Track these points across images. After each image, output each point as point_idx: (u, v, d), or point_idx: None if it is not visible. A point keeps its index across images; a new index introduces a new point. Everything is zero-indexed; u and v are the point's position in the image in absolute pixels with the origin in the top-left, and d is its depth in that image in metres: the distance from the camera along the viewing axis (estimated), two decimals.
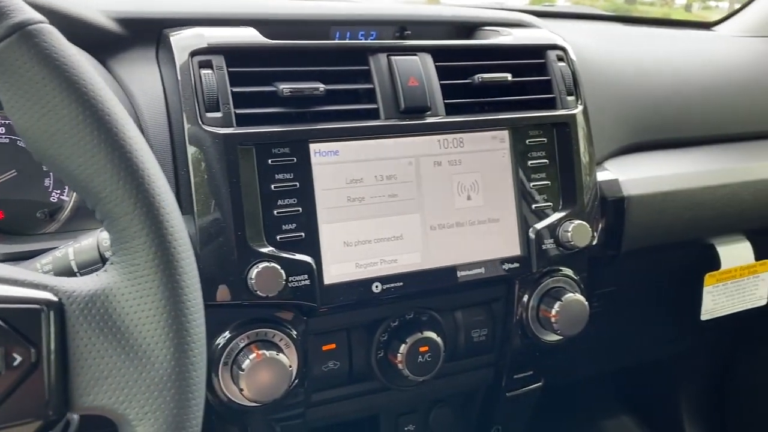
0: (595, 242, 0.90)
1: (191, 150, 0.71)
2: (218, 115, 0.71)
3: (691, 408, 1.58)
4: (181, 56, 0.73)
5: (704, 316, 1.11)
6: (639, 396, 1.62)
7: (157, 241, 0.43)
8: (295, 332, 0.76)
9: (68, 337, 0.42)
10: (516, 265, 0.85)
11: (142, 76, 0.79)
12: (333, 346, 0.82)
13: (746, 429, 1.55)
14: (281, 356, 0.72)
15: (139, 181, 0.43)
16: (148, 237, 0.43)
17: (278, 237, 0.73)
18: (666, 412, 1.59)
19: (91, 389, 0.42)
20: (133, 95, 0.78)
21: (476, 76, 0.84)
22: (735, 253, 1.11)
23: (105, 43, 0.80)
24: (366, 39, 0.92)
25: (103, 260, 0.57)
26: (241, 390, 0.71)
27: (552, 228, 0.87)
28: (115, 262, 0.44)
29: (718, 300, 1.12)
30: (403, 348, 0.81)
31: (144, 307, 0.43)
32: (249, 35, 0.77)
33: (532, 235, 0.85)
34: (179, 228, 0.45)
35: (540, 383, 1.01)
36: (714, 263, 1.10)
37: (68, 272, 0.57)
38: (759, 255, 1.13)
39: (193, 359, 0.44)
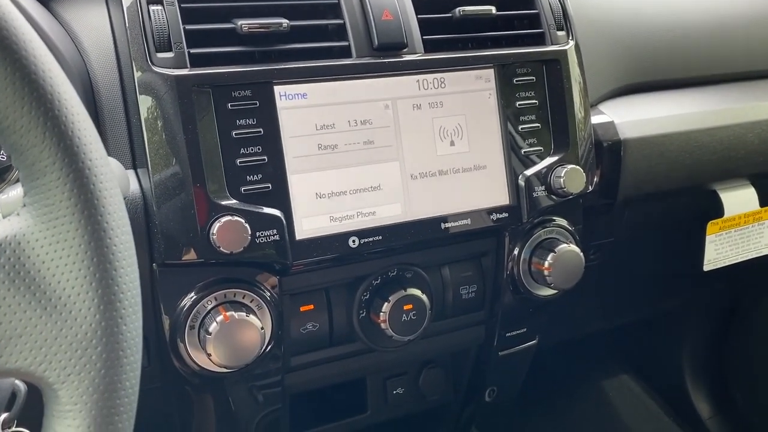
0: (589, 189, 0.84)
1: (142, 96, 0.65)
2: (170, 55, 0.65)
3: (693, 363, 1.54)
4: None
5: (707, 267, 1.06)
6: (638, 353, 1.59)
7: (72, 175, 0.37)
8: (267, 292, 0.71)
9: None
10: (505, 215, 0.79)
11: (89, 17, 0.72)
12: (311, 306, 0.77)
13: (748, 383, 1.51)
14: (252, 318, 0.67)
15: (48, 107, 0.37)
16: (61, 171, 0.37)
17: (242, 189, 0.67)
18: (666, 369, 1.55)
19: (2, 350, 0.37)
20: (79, 39, 0.71)
21: (457, 9, 0.77)
22: (739, 199, 1.05)
23: None
24: None
25: None
26: (209, 355, 0.66)
27: (543, 174, 0.81)
28: (28, 204, 0.38)
29: (721, 249, 1.06)
30: (386, 306, 0.76)
31: (62, 253, 0.37)
32: None
33: (521, 182, 0.79)
34: (100, 161, 0.39)
35: (534, 341, 0.96)
36: (717, 210, 1.04)
37: None
38: (764, 201, 1.08)
39: (122, 312, 0.38)
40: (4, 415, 0.55)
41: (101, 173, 0.38)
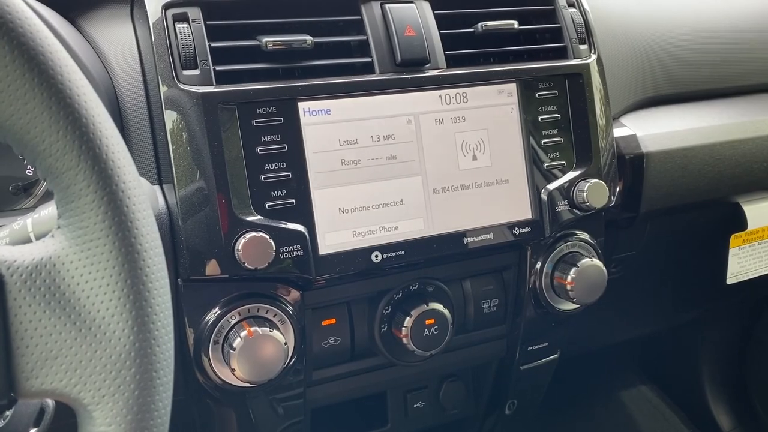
0: (612, 203, 0.84)
1: (168, 112, 0.65)
2: (195, 72, 0.65)
3: (713, 374, 1.52)
4: (154, 10, 0.67)
5: (730, 280, 1.05)
6: (658, 364, 1.57)
7: (106, 198, 0.37)
8: (290, 307, 0.71)
9: (9, 312, 0.37)
10: (527, 229, 0.79)
11: (116, 35, 0.73)
12: (333, 320, 0.77)
13: None
14: (275, 333, 0.67)
15: (83, 130, 0.37)
16: (96, 194, 0.37)
17: (267, 205, 0.67)
18: (686, 381, 1.53)
19: (38, 371, 0.37)
20: (105, 56, 0.72)
21: (479, 24, 0.78)
22: (762, 211, 1.04)
23: (75, 0, 0.74)
24: None
25: None
26: (233, 370, 0.66)
27: (566, 188, 0.80)
28: (62, 226, 0.39)
29: (744, 262, 1.05)
30: (407, 321, 0.76)
31: (96, 275, 0.37)
32: None
33: (544, 196, 0.79)
34: (133, 183, 0.39)
35: (556, 355, 0.96)
36: (740, 223, 1.03)
37: None
38: None
39: (156, 333, 0.38)
40: (33, 430, 0.56)
41: (134, 195, 0.39)
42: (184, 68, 0.65)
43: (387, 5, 0.74)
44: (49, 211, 0.52)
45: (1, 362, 0.36)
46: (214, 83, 0.66)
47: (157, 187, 0.69)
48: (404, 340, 0.77)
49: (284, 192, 0.68)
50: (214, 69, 0.66)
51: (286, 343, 0.68)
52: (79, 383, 0.37)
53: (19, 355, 0.37)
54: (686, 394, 1.52)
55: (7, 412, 0.50)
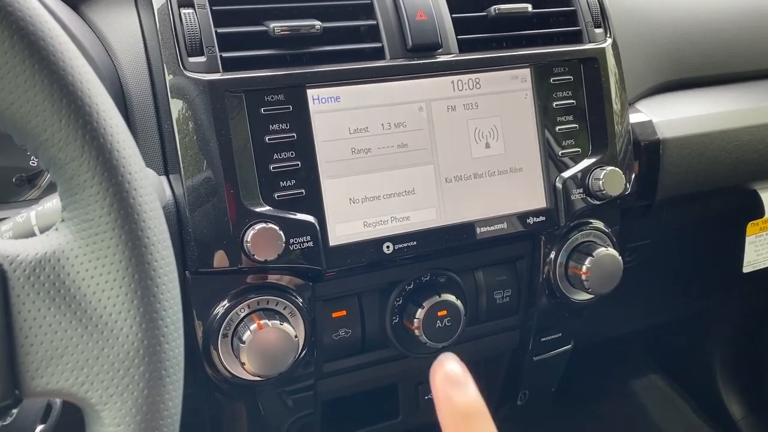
0: (628, 191, 0.82)
1: (174, 100, 0.64)
2: (202, 59, 0.64)
3: (724, 363, 1.51)
4: None
5: (746, 268, 1.03)
6: (669, 353, 1.55)
7: (112, 190, 0.36)
8: (300, 299, 0.70)
9: (13, 309, 0.35)
10: (542, 218, 0.77)
11: (119, 21, 0.71)
12: (343, 312, 0.75)
13: None
14: (286, 326, 0.66)
15: (87, 119, 0.35)
16: (100, 186, 0.36)
17: (276, 195, 0.65)
18: (697, 369, 1.52)
19: (43, 370, 0.36)
20: (109, 43, 0.70)
21: (492, 8, 0.75)
22: None
23: None
24: None
25: None
26: (242, 364, 0.65)
27: (581, 176, 0.78)
28: (66, 219, 0.37)
29: (761, 250, 1.03)
30: (419, 313, 0.75)
31: (102, 270, 0.36)
32: None
33: (559, 184, 0.77)
34: (140, 174, 0.37)
35: (569, 345, 0.94)
36: (757, 211, 1.01)
37: None
38: None
39: (165, 330, 0.37)
40: (40, 427, 0.55)
41: (141, 186, 0.37)
42: (190, 55, 0.64)
43: None
44: (53, 203, 0.51)
45: (5, 361, 0.35)
46: (221, 70, 0.64)
47: (163, 178, 0.68)
48: (416, 332, 0.75)
49: (293, 182, 0.66)
50: (221, 56, 0.64)
51: (296, 336, 0.66)
52: (86, 382, 0.36)
53: (23, 353, 0.35)
54: (698, 382, 1.51)
55: (13, 410, 0.49)
